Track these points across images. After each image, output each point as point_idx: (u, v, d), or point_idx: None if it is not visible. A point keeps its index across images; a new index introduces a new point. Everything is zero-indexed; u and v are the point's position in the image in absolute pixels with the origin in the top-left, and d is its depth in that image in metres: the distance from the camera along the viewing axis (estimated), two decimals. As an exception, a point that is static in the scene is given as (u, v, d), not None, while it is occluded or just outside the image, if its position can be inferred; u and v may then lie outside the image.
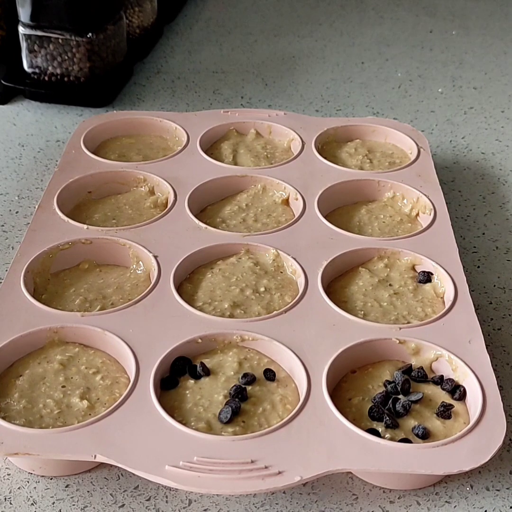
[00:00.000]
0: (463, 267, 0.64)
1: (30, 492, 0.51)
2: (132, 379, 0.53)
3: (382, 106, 1.03)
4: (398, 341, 0.57)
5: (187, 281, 0.64)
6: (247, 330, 0.57)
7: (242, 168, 0.78)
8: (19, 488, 0.51)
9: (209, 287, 0.63)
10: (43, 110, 0.98)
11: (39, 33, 0.94)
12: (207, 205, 0.74)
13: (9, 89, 0.99)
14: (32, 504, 0.50)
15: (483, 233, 0.77)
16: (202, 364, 0.55)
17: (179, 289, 0.62)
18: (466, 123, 0.99)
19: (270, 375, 0.55)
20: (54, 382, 0.54)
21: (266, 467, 0.47)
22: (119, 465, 0.48)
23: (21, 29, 0.95)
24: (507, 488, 0.51)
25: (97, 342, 0.57)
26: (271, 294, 0.62)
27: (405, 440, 0.50)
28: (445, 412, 0.52)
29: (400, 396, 0.53)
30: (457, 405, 0.53)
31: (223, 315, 0.60)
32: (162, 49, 1.18)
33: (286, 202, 0.74)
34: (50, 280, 0.64)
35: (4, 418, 0.50)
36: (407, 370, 0.55)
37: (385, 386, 0.54)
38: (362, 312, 0.61)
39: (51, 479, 0.51)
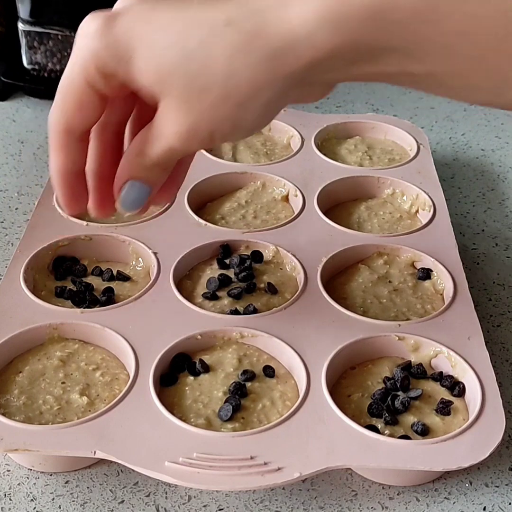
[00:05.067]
0: (463, 263, 0.64)
1: (29, 488, 0.51)
2: (131, 376, 0.53)
3: (382, 102, 1.03)
4: (397, 338, 0.57)
5: (187, 278, 0.64)
6: (246, 327, 0.57)
7: (242, 165, 0.78)
8: (18, 484, 0.51)
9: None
10: (43, 106, 0.98)
11: (38, 29, 0.94)
12: (207, 201, 0.74)
13: (9, 85, 0.99)
14: (31, 500, 0.50)
15: (483, 230, 0.77)
16: (201, 361, 0.55)
17: (178, 285, 0.62)
18: (465, 120, 0.99)
19: (269, 371, 0.55)
20: (54, 379, 0.54)
21: (265, 463, 0.48)
22: (119, 461, 0.48)
23: (21, 26, 0.95)
24: (506, 485, 0.52)
25: (97, 339, 0.57)
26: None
27: (405, 437, 0.50)
28: (444, 409, 0.52)
29: (400, 393, 0.53)
30: (456, 402, 0.53)
31: (222, 311, 0.60)
32: (162, 46, 1.17)
33: (285, 198, 0.74)
34: (49, 276, 0.64)
35: (3, 415, 0.50)
36: (407, 366, 0.55)
37: (385, 382, 0.54)
38: (362, 308, 0.61)
39: (50, 475, 0.52)
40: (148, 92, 0.40)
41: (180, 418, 0.50)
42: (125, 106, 0.45)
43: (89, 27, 0.41)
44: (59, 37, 0.94)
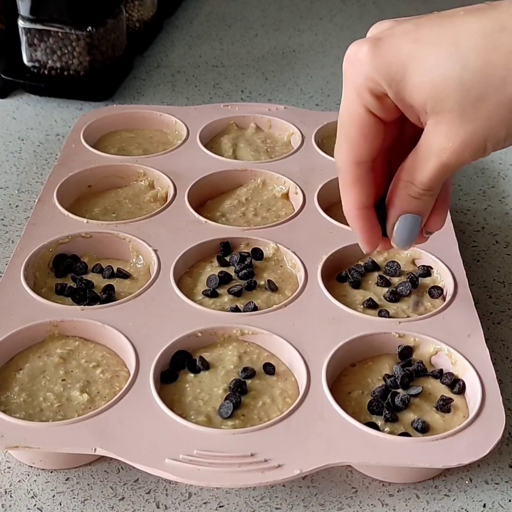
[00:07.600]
0: (463, 261, 0.64)
1: (30, 485, 0.51)
2: (132, 373, 0.53)
3: (382, 100, 1.03)
4: (397, 335, 0.57)
5: (187, 275, 0.64)
6: (247, 324, 0.57)
7: (242, 162, 0.78)
8: (19, 481, 0.51)
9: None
10: (43, 104, 0.98)
11: (38, 26, 0.94)
12: (207, 199, 0.74)
13: (9, 83, 0.99)
14: (32, 497, 0.50)
15: (483, 227, 0.77)
16: (201, 358, 0.55)
17: (179, 283, 0.62)
18: (466, 118, 0.98)
19: (269, 369, 0.55)
20: (54, 376, 0.54)
21: (265, 461, 0.48)
22: (119, 458, 0.48)
23: (21, 23, 0.95)
24: (506, 482, 0.52)
25: (97, 336, 0.57)
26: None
27: (405, 434, 0.50)
28: (445, 406, 0.52)
29: (400, 390, 0.53)
30: (456, 399, 0.53)
31: (223, 309, 0.60)
32: (162, 43, 1.17)
33: (286, 196, 0.74)
34: (50, 274, 0.64)
35: (4, 412, 0.50)
36: (407, 364, 0.55)
37: (385, 380, 0.54)
38: (362, 306, 0.61)
39: (51, 472, 0.52)
40: (417, 110, 0.40)
41: (181, 415, 0.51)
42: (392, 132, 0.45)
43: (356, 54, 0.41)
44: (59, 34, 0.94)
